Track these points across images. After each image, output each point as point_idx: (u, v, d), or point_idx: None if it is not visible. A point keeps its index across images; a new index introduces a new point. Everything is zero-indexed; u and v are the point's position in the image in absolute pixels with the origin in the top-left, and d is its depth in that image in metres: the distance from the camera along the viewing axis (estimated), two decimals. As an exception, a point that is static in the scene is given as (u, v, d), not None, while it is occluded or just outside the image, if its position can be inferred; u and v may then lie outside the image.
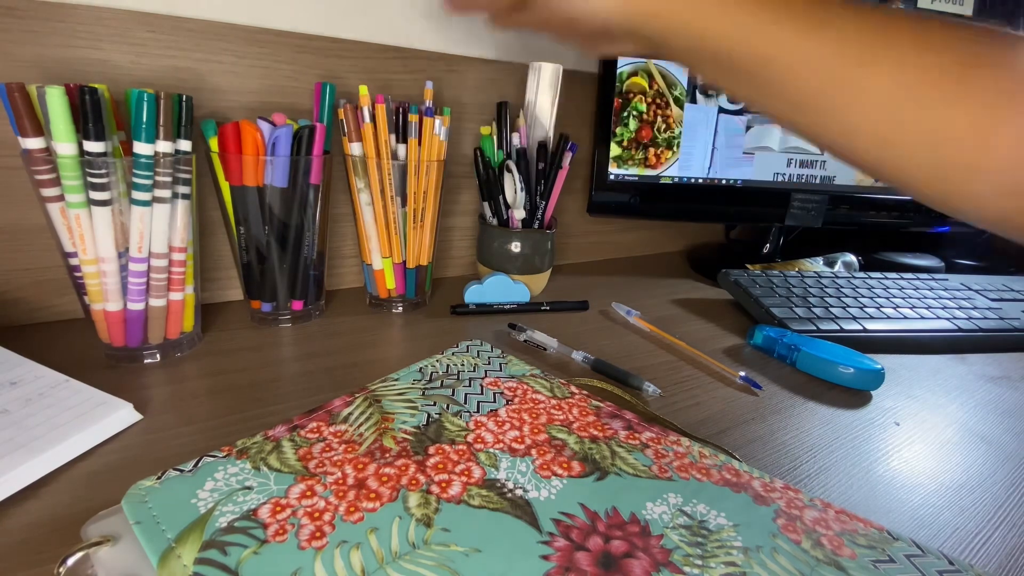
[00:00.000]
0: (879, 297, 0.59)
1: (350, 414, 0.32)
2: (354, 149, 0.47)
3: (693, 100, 0.65)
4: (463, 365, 0.39)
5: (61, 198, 0.34)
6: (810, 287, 0.60)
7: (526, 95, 0.57)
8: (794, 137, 0.27)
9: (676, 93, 0.65)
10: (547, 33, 0.36)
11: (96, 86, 0.33)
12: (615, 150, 0.65)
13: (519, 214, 0.55)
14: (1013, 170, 0.20)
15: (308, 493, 0.25)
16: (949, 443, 0.37)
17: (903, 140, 0.23)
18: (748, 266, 0.71)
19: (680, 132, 0.66)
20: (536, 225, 0.57)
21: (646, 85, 0.64)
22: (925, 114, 0.22)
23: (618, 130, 0.64)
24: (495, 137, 0.55)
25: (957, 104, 0.21)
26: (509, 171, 0.54)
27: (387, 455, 0.28)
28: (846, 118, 0.25)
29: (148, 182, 0.35)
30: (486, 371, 0.38)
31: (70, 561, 0.21)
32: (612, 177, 0.65)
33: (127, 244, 0.36)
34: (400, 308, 0.53)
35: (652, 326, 0.52)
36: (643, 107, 0.64)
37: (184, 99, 0.37)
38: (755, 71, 0.27)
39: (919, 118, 0.22)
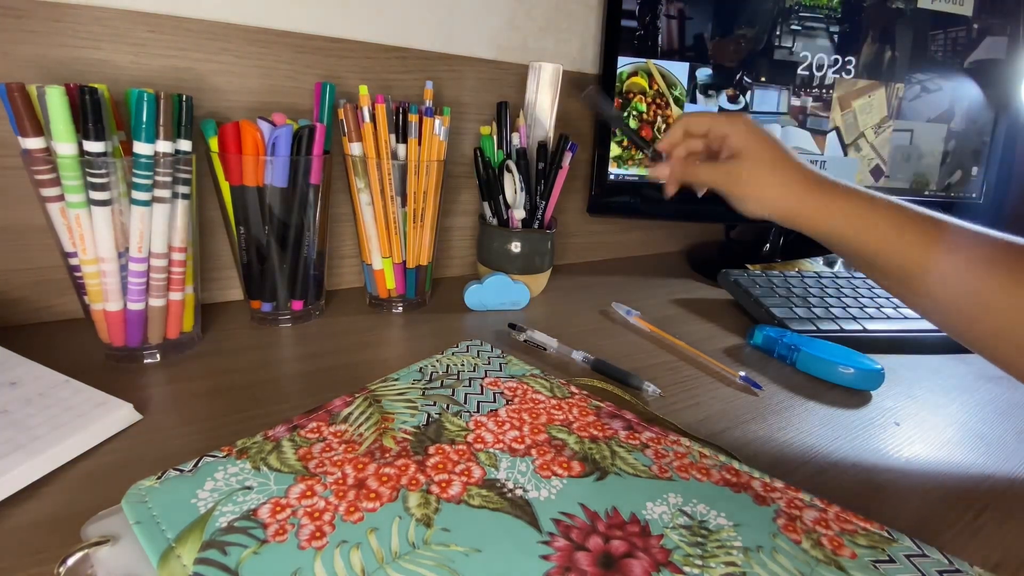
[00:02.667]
0: (879, 297, 0.59)
1: (350, 414, 0.31)
2: (354, 149, 0.47)
3: (693, 100, 0.65)
4: (463, 365, 0.39)
5: (61, 198, 0.34)
6: (810, 287, 0.60)
7: (526, 95, 0.57)
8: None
9: (676, 93, 0.65)
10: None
11: (96, 86, 0.33)
12: (615, 150, 0.65)
13: (519, 214, 0.55)
14: None
15: (308, 493, 0.25)
16: (949, 443, 0.37)
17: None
18: (748, 266, 0.71)
19: (680, 132, 0.66)
20: (536, 225, 0.57)
21: (646, 85, 0.64)
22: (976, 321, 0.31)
23: (618, 130, 0.64)
24: (495, 137, 0.55)
25: (1002, 313, 0.31)
26: (509, 171, 0.54)
27: (387, 455, 0.28)
28: (989, 326, 0.32)
29: (148, 182, 0.35)
30: (486, 371, 0.38)
31: (70, 561, 0.21)
32: (612, 177, 0.65)
33: (127, 244, 0.36)
34: (400, 308, 0.53)
35: (652, 326, 0.52)
36: (643, 107, 0.64)
37: (184, 99, 0.37)
38: (892, 273, 0.36)
39: None
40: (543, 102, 0.56)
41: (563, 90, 0.60)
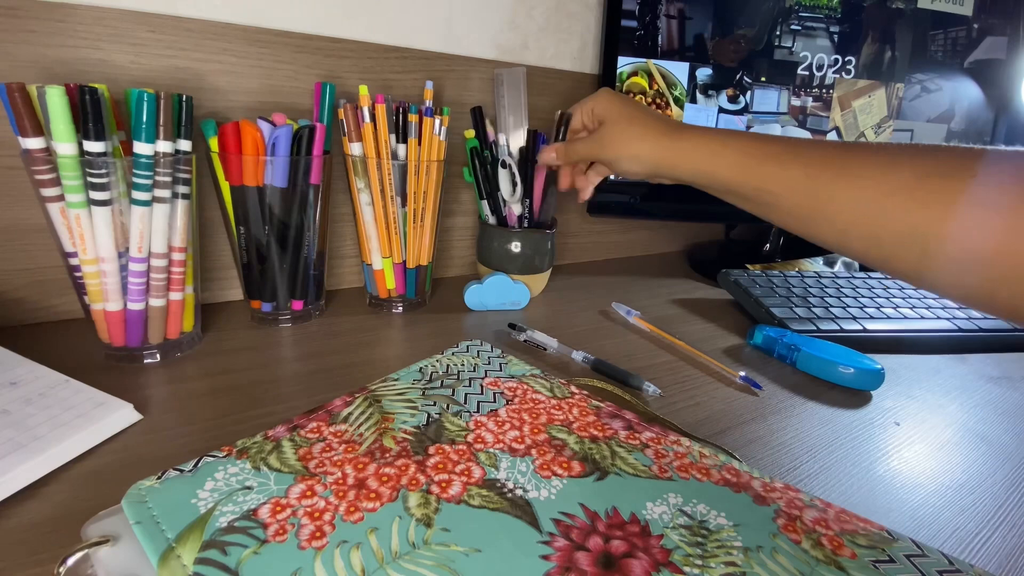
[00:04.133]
0: (879, 297, 0.59)
1: (350, 414, 0.32)
2: (354, 149, 0.47)
3: (693, 100, 0.65)
4: (463, 365, 0.39)
5: (61, 198, 0.34)
6: (810, 287, 0.60)
7: (494, 102, 0.58)
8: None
9: (676, 93, 0.65)
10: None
11: (96, 86, 0.33)
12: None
13: (517, 209, 0.55)
14: (961, 254, 0.26)
15: (308, 493, 0.25)
16: (949, 443, 0.37)
17: (880, 238, 0.29)
18: (748, 266, 0.71)
19: (680, 132, 0.66)
20: (527, 223, 0.57)
21: (646, 85, 0.64)
22: (890, 219, 0.28)
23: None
24: (480, 140, 0.55)
25: (912, 211, 0.27)
26: (505, 167, 0.54)
27: (387, 455, 0.28)
28: (834, 225, 0.31)
29: (148, 182, 0.35)
30: (486, 371, 0.38)
31: (70, 561, 0.21)
32: (612, 177, 0.65)
33: (127, 244, 0.36)
34: (400, 308, 0.53)
35: (652, 326, 0.52)
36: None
37: (184, 99, 0.37)
38: (754, 197, 0.36)
39: (886, 222, 0.28)
40: (513, 105, 0.57)
41: (563, 90, 0.60)
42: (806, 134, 0.69)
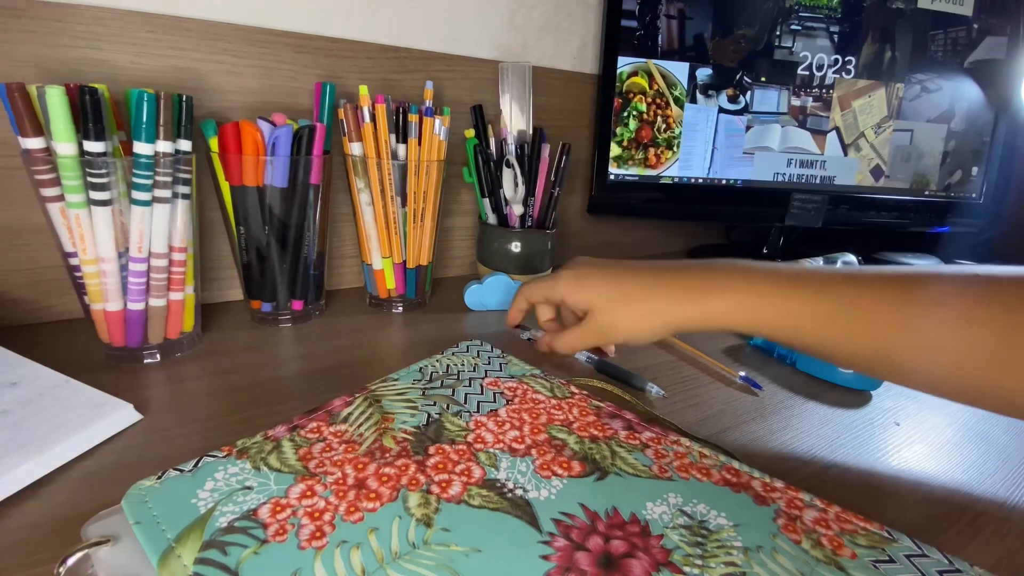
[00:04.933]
0: (879, 297, 0.59)
1: (350, 414, 0.31)
2: (354, 149, 0.47)
3: (693, 100, 0.65)
4: (463, 365, 0.39)
5: (61, 198, 0.34)
6: (810, 287, 0.60)
7: (499, 97, 0.58)
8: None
9: (676, 93, 0.65)
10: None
11: (96, 86, 0.33)
12: (615, 150, 0.65)
13: (518, 209, 0.55)
14: None
15: (308, 493, 0.25)
16: (949, 443, 0.37)
17: (961, 391, 0.28)
18: (748, 266, 0.71)
19: (680, 132, 0.66)
20: (528, 222, 0.57)
21: (646, 85, 0.64)
22: (971, 378, 0.27)
23: (618, 130, 0.64)
24: (480, 139, 0.55)
25: (994, 372, 0.26)
26: (509, 166, 0.54)
27: (387, 455, 0.28)
28: (910, 380, 0.30)
29: (148, 182, 0.35)
30: (486, 371, 0.38)
31: (70, 561, 0.21)
32: (612, 177, 0.65)
33: (127, 244, 0.36)
34: (400, 308, 0.53)
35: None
36: (643, 107, 0.64)
37: (184, 99, 0.37)
38: (811, 350, 0.33)
39: (969, 382, 0.28)
40: (518, 100, 0.57)
41: (563, 90, 0.60)
42: (807, 134, 0.69)
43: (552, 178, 0.57)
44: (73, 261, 0.36)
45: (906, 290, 0.29)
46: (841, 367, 0.34)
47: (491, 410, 0.33)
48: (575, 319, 0.42)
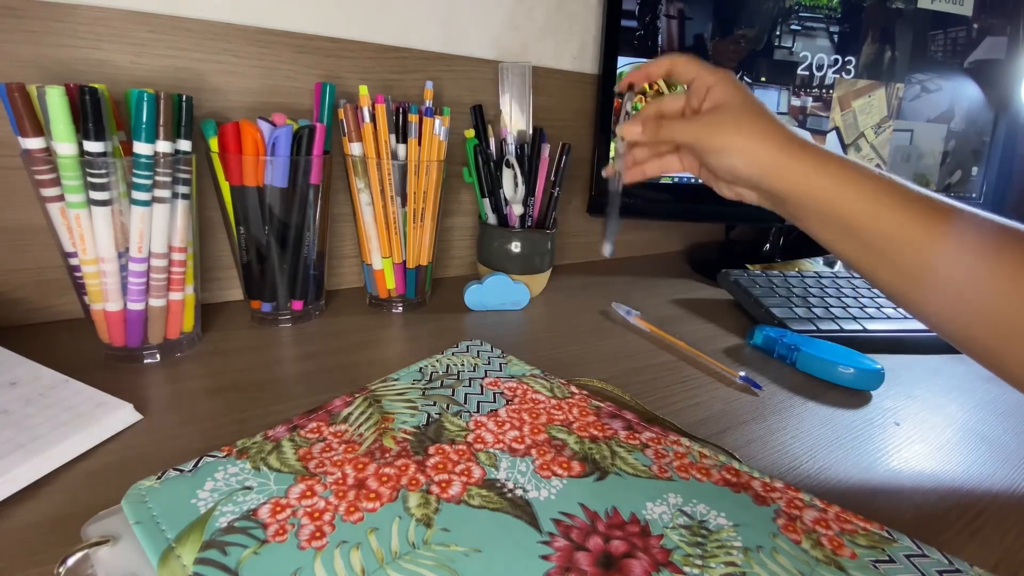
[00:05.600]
0: (879, 297, 0.59)
1: (350, 414, 0.32)
2: (354, 149, 0.47)
3: (693, 100, 0.65)
4: (463, 365, 0.39)
5: (61, 198, 0.34)
6: (810, 287, 0.60)
7: (499, 96, 0.58)
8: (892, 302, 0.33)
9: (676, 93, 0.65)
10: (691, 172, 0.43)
11: (96, 86, 0.33)
12: (615, 150, 0.64)
13: (518, 210, 0.55)
14: None
15: (308, 493, 0.25)
16: (949, 443, 0.37)
17: (1000, 335, 0.27)
18: (748, 266, 0.71)
19: (680, 132, 0.66)
20: (528, 222, 0.57)
21: (646, 85, 0.64)
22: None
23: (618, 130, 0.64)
24: (480, 138, 0.55)
25: None
26: (509, 166, 0.54)
27: (387, 455, 0.28)
28: (964, 304, 0.29)
29: (148, 182, 0.35)
30: (486, 371, 0.38)
31: (70, 561, 0.21)
32: (687, 178, 0.65)
33: (127, 244, 0.36)
34: (400, 308, 0.53)
35: (652, 326, 0.52)
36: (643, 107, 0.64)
37: (184, 99, 0.37)
38: (877, 244, 0.32)
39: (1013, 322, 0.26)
40: (518, 101, 0.57)
41: (563, 90, 0.60)
42: (806, 134, 0.69)
43: (552, 178, 0.57)
44: (73, 261, 0.36)
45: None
46: (883, 271, 0.33)
47: (491, 410, 0.33)
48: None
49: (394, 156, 0.48)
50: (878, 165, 0.72)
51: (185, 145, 0.38)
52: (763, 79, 0.66)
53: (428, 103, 0.47)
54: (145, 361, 0.39)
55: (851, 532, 0.26)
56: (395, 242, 0.50)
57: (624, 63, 0.62)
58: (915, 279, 0.31)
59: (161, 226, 0.37)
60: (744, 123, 0.36)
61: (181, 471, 0.26)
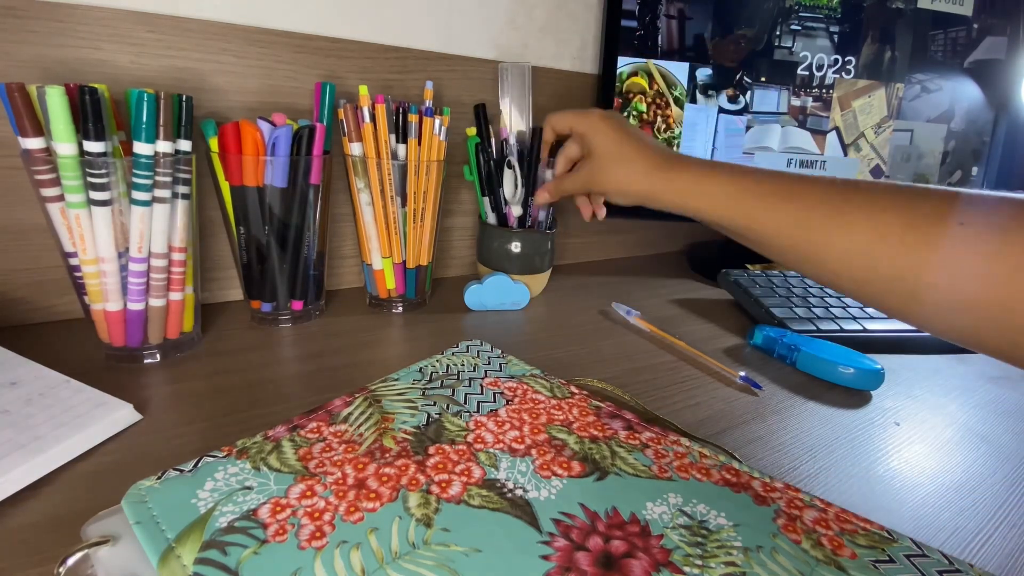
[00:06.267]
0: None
1: (350, 414, 0.32)
2: (354, 149, 0.47)
3: (693, 100, 0.65)
4: (463, 365, 0.39)
5: (61, 198, 0.34)
6: (810, 287, 0.60)
7: (499, 96, 0.58)
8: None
9: (676, 93, 0.65)
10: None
11: (96, 86, 0.33)
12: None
13: (517, 211, 0.55)
14: (947, 297, 0.26)
15: (308, 493, 0.25)
16: (949, 443, 0.37)
17: (871, 280, 0.29)
18: (748, 266, 0.71)
19: (680, 132, 0.66)
20: (527, 222, 0.57)
21: (646, 85, 0.64)
22: (879, 264, 0.28)
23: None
24: (481, 137, 0.55)
25: (901, 256, 0.28)
26: (510, 167, 0.54)
27: (387, 455, 0.28)
28: (825, 267, 0.31)
29: (148, 182, 0.35)
30: (486, 371, 0.38)
31: (70, 561, 0.21)
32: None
33: (127, 244, 0.36)
34: (400, 308, 0.53)
35: (652, 326, 0.52)
36: (643, 107, 0.64)
37: (184, 99, 0.37)
38: (745, 235, 0.36)
39: (876, 266, 0.29)
40: (518, 101, 0.57)
41: (563, 90, 0.60)
42: (806, 134, 0.69)
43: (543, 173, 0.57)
44: (73, 261, 0.36)
45: (837, 188, 0.31)
46: (767, 252, 0.35)
47: (491, 410, 0.33)
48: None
49: (394, 156, 0.48)
50: (878, 166, 0.72)
51: (185, 145, 0.38)
52: (763, 79, 0.66)
53: (428, 103, 0.47)
54: (145, 361, 0.39)
55: (851, 532, 0.26)
56: (395, 242, 0.50)
57: (624, 63, 0.62)
58: (796, 259, 0.33)
59: (161, 226, 0.37)
60: (612, 166, 0.42)
61: (181, 471, 0.26)
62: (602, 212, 0.51)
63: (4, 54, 0.38)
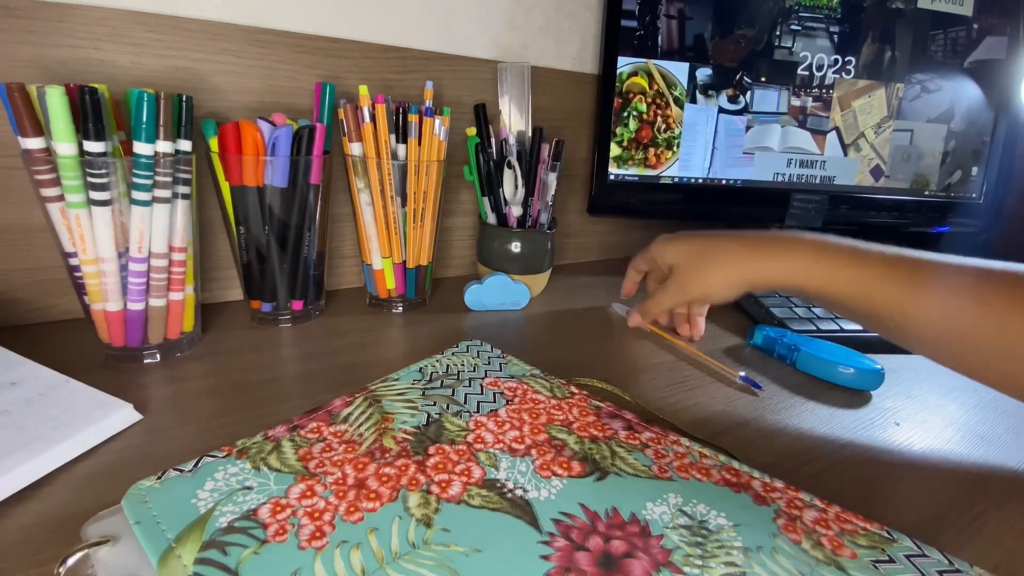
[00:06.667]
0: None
1: (350, 414, 0.31)
2: (354, 149, 0.47)
3: (693, 100, 0.65)
4: (463, 365, 0.39)
5: (61, 198, 0.34)
6: (810, 287, 0.60)
7: (498, 96, 0.58)
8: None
9: (676, 93, 0.65)
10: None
11: (96, 86, 0.33)
12: (615, 150, 0.65)
13: (517, 211, 0.55)
14: None
15: (308, 493, 0.25)
16: (949, 443, 0.37)
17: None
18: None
19: (680, 132, 0.66)
20: (528, 222, 0.57)
21: (646, 85, 0.64)
22: None
23: (618, 130, 0.64)
24: (481, 137, 0.55)
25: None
26: (510, 167, 0.54)
27: (387, 455, 0.28)
28: (969, 362, 0.32)
29: (148, 182, 0.35)
30: (486, 371, 0.38)
31: (70, 561, 0.21)
32: (612, 177, 0.65)
33: (127, 244, 0.36)
34: (400, 308, 0.53)
35: (652, 326, 0.52)
36: (643, 107, 0.64)
37: (184, 99, 0.37)
38: (877, 321, 0.35)
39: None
40: (518, 101, 0.57)
41: (563, 90, 0.59)
42: (806, 134, 0.69)
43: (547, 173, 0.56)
44: (73, 261, 0.36)
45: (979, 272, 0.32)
46: (900, 339, 0.35)
47: (491, 410, 0.33)
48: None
49: (394, 156, 0.48)
50: (878, 166, 0.72)
51: (185, 145, 0.38)
52: (763, 79, 0.66)
53: (428, 103, 0.47)
54: (145, 361, 0.39)
55: (851, 532, 0.26)
56: (395, 242, 0.50)
57: (624, 63, 0.62)
58: (912, 341, 0.34)
59: (161, 226, 0.37)
60: (702, 267, 0.43)
61: (181, 471, 0.26)
62: (699, 330, 0.50)
63: (4, 54, 0.38)
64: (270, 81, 0.48)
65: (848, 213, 0.72)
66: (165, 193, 0.37)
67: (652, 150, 0.65)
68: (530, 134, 0.58)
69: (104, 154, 0.34)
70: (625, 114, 0.64)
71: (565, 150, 0.56)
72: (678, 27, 0.63)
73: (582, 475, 0.28)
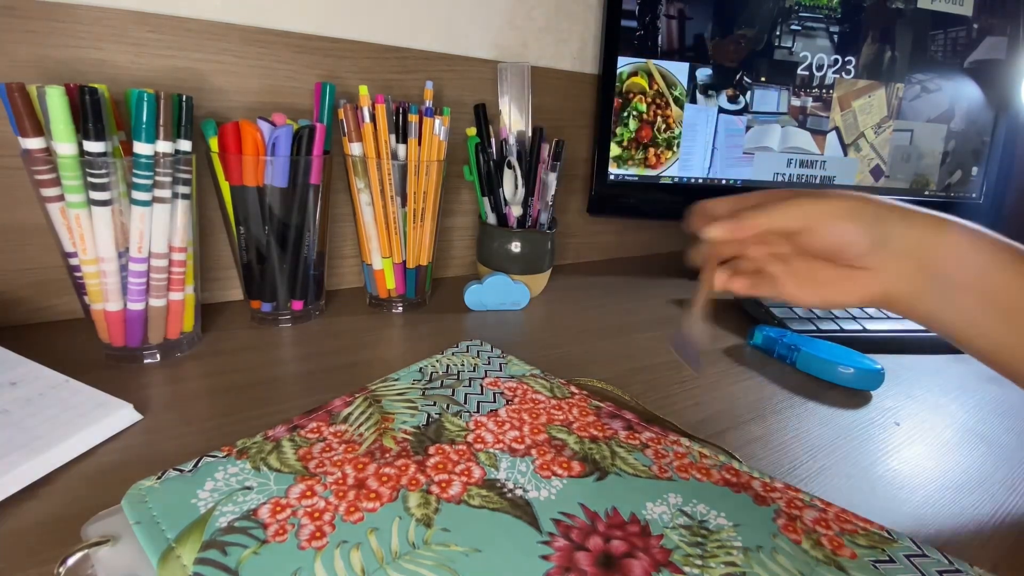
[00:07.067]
0: (879, 297, 0.59)
1: (350, 414, 0.31)
2: (354, 149, 0.47)
3: (693, 100, 0.65)
4: (463, 365, 0.39)
5: (61, 198, 0.34)
6: (810, 287, 0.60)
7: (498, 96, 0.58)
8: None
9: (676, 93, 0.65)
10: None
11: (96, 86, 0.33)
12: (615, 150, 0.65)
13: (517, 211, 0.55)
14: None
15: (308, 493, 0.25)
16: (949, 443, 0.37)
17: None
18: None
19: (680, 132, 0.66)
20: (528, 222, 0.57)
21: (646, 85, 0.64)
22: None
23: (618, 130, 0.64)
24: (481, 137, 0.55)
25: None
26: (510, 167, 0.54)
27: (387, 455, 0.28)
28: None
29: (148, 182, 0.35)
30: (486, 371, 0.38)
31: (70, 561, 0.21)
32: (612, 177, 0.65)
33: (127, 244, 0.36)
34: (400, 308, 0.53)
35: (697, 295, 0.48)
36: (643, 107, 0.64)
37: (184, 99, 0.37)
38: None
39: None
40: (517, 101, 0.57)
41: (563, 90, 0.59)
42: (806, 134, 0.69)
43: (547, 173, 0.56)
44: (73, 261, 0.36)
45: None
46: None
47: (491, 410, 0.33)
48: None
49: (394, 156, 0.48)
50: (878, 166, 0.72)
51: (185, 145, 0.38)
52: (763, 79, 0.66)
53: (428, 103, 0.47)
54: (145, 361, 0.39)
55: (851, 532, 0.26)
56: (395, 242, 0.50)
57: (624, 63, 0.62)
58: None
59: (161, 226, 0.37)
60: (828, 195, 0.31)
61: (181, 471, 0.26)
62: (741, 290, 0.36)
63: (4, 54, 0.38)
64: (270, 81, 0.48)
65: (848, 213, 0.72)
66: (165, 193, 0.37)
67: (652, 150, 0.65)
68: (530, 134, 0.58)
69: (104, 154, 0.34)
70: (625, 114, 0.64)
71: (565, 150, 0.56)
72: (678, 27, 0.63)
73: (582, 475, 0.28)
